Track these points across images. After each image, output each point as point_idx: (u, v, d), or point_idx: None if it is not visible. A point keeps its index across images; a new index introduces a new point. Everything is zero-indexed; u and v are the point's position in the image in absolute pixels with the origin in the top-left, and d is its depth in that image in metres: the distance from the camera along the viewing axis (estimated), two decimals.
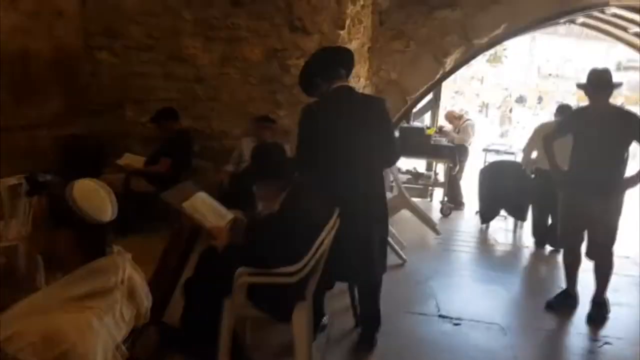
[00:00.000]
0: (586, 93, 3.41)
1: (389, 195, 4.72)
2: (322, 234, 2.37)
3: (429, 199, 7.22)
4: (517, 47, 37.26)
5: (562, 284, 3.81)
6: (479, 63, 37.09)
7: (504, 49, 40.03)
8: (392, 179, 5.02)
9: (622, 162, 3.40)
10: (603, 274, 3.51)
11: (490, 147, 6.99)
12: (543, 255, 5.15)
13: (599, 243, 3.45)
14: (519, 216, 5.87)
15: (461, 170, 6.78)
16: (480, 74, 34.52)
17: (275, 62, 4.74)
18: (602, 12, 6.01)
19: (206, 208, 2.55)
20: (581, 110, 3.76)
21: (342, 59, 2.80)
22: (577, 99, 26.34)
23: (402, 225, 4.83)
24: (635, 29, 6.08)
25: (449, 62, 6.07)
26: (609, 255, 3.47)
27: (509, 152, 6.84)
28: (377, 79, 6.05)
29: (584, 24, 6.63)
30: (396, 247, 4.38)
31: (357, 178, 2.65)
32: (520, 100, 16.59)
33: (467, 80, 32.02)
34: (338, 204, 2.51)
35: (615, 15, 6.03)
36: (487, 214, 5.95)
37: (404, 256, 4.39)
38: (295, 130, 4.88)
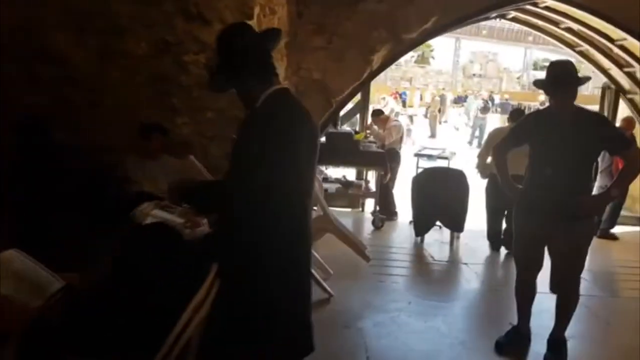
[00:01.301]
0: (546, 92, 2.72)
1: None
2: (187, 311, 1.52)
3: (360, 209, 6.55)
4: (443, 49, 38.30)
5: (511, 318, 3.19)
6: (407, 64, 37.89)
7: (432, 50, 41.34)
8: None
9: (591, 177, 2.79)
10: (567, 311, 2.86)
11: (423, 152, 6.38)
12: (485, 274, 4.57)
13: (565, 276, 2.81)
14: (456, 227, 5.32)
15: (393, 177, 6.13)
16: (408, 75, 35.14)
17: (169, 58, 3.79)
18: (535, 5, 5.59)
19: (15, 276, 1.61)
20: (539, 113, 3.04)
21: (274, 47, 1.86)
22: (501, 97, 27.14)
23: (328, 247, 4.04)
24: (568, 23, 5.69)
25: (377, 59, 5.39)
26: (576, 289, 2.85)
27: (443, 157, 6.27)
28: (298, 79, 5.24)
29: (514, 19, 6.19)
30: (319, 278, 3.60)
31: (308, 213, 1.81)
32: (459, 100, 16.42)
33: (397, 81, 32.44)
34: (286, 245, 1.68)
35: (547, 9, 5.62)
36: (421, 226, 5.34)
37: (329, 289, 3.61)
38: (198, 141, 4.09)
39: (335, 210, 6.41)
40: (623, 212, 6.41)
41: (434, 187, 5.30)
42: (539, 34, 6.78)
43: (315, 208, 3.97)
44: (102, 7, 3.75)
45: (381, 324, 3.26)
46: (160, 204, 2.70)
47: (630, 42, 5.37)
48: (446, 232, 5.39)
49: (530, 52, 33.59)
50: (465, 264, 4.71)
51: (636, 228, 6.37)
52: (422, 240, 5.32)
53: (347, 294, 3.68)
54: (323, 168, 6.21)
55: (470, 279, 4.36)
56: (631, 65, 5.87)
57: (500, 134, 5.06)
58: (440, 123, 17.32)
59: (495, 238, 5.10)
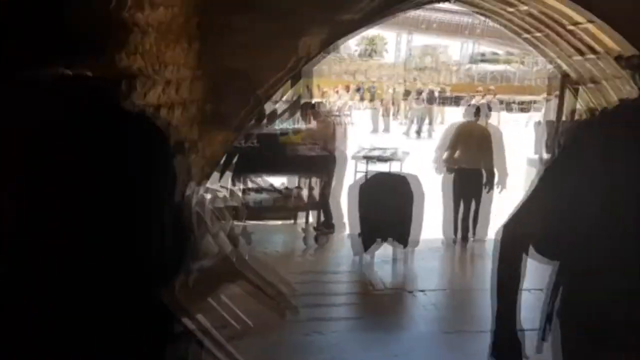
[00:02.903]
0: None
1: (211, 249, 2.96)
2: None
3: (292, 221, 5.53)
4: (387, 43, 38.16)
5: None
6: (351, 57, 37.31)
7: (385, 43, 41.35)
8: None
9: None
10: None
11: (364, 154, 5.40)
12: (444, 306, 3.69)
13: None
14: (401, 242, 4.48)
15: (329, 184, 5.17)
16: (352, 69, 34.58)
17: None
18: None
19: None
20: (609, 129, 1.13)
21: None
22: (441, 90, 27.04)
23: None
24: (525, 5, 4.93)
25: (310, 44, 4.42)
26: None
27: (385, 159, 5.31)
28: (213, 69, 4.16)
29: (463, 1, 5.39)
30: (229, 346, 2.56)
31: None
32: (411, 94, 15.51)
33: (340, 75, 31.68)
34: None
35: None
36: (363, 243, 4.47)
37: None
38: None
39: (263, 224, 5.44)
40: None
41: (375, 197, 4.43)
42: (487, 19, 6.07)
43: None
44: None
45: None
46: None
47: (597, 24, 4.70)
48: (391, 247, 4.55)
49: (468, 45, 33.94)
50: (418, 291, 3.84)
51: None
52: (363, 260, 4.45)
53: None
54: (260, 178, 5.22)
55: (427, 316, 3.44)
56: (595, 52, 5.22)
57: (462, 130, 5.05)
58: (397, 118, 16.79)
59: (464, 229, 5.04)
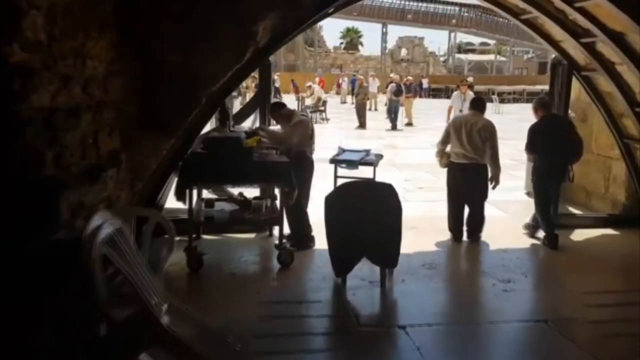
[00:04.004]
0: None
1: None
2: None
3: (267, 234, 4.81)
4: (370, 34, 37.47)
5: None
6: (336, 50, 36.70)
7: (360, 36, 40.49)
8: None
9: None
10: None
11: (341, 157, 4.63)
12: (433, 349, 2.91)
13: None
14: (387, 262, 3.73)
15: (305, 192, 4.42)
16: (338, 62, 33.94)
17: None
18: None
19: None
20: None
21: None
22: (428, 81, 26.31)
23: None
24: None
25: (262, 32, 3.66)
26: None
27: (367, 163, 4.56)
28: (141, 64, 3.38)
29: None
30: None
31: None
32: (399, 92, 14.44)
33: (327, 69, 31.13)
34: None
35: None
36: (340, 265, 3.72)
37: None
38: None
39: (231, 237, 4.73)
40: (574, 211, 5.38)
41: (353, 210, 3.67)
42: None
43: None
44: None
45: None
46: None
47: (595, 2, 3.98)
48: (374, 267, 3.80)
49: (454, 36, 33.17)
50: (404, 327, 3.09)
51: (596, 231, 4.99)
52: (344, 281, 3.71)
53: None
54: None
55: None
56: (591, 35, 4.51)
57: (460, 123, 4.58)
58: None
59: (457, 229, 4.64)
